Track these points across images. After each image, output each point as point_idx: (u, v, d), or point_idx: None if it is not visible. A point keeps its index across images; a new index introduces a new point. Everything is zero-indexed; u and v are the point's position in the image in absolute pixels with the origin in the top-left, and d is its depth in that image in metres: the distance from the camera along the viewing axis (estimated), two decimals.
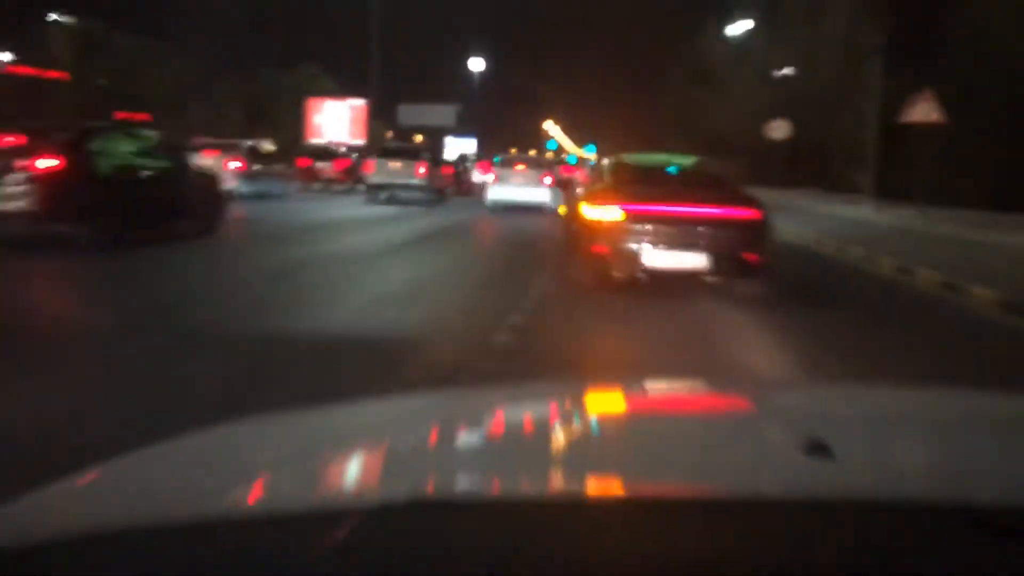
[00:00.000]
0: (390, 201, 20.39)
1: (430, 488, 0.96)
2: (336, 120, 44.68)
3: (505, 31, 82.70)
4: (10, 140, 8.73)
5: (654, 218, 7.02)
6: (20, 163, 8.35)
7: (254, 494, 0.99)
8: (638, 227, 7.02)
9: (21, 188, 8.27)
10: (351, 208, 18.58)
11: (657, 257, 6.99)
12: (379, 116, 50.26)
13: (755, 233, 7.09)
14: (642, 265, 7.01)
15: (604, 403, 1.55)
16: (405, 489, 0.92)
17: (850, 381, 3.75)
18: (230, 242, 11.05)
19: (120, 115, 32.41)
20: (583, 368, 4.79)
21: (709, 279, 7.04)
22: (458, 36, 72.79)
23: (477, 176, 28.24)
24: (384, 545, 0.75)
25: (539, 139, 73.18)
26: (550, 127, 75.82)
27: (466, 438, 1.30)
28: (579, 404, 1.53)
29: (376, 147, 24.58)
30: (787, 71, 30.82)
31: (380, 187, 20.97)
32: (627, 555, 0.74)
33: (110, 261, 8.31)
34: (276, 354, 4.74)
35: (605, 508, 0.87)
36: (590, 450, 1.20)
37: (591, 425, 1.39)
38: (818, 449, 0.98)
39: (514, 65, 79.75)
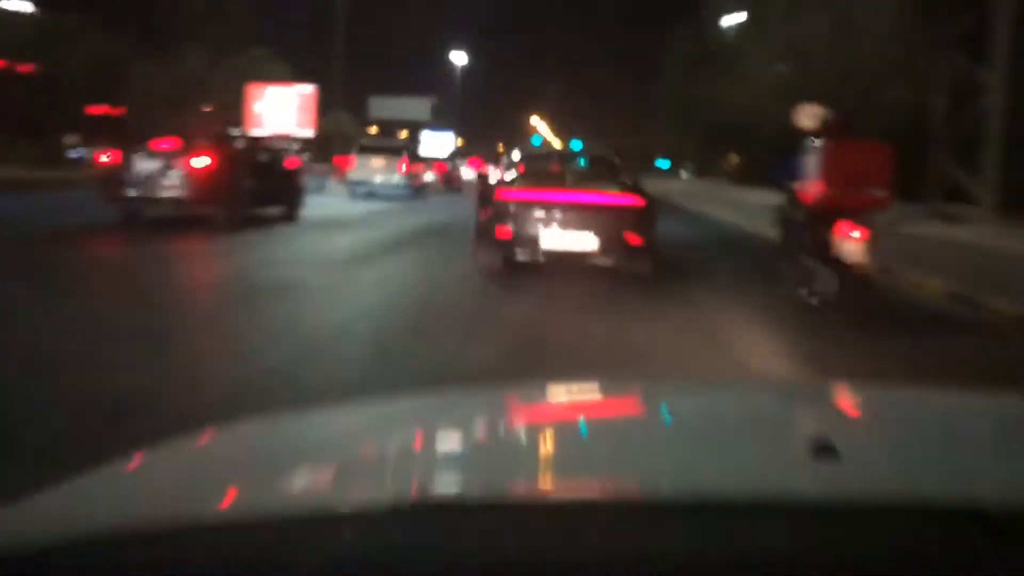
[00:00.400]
0: (369, 197, 20.62)
1: (426, 490, 0.97)
2: (281, 109, 39.34)
3: (487, 23, 78.92)
4: (166, 144, 11.56)
5: (550, 205, 7.93)
6: (177, 161, 11.17)
7: (255, 498, 0.99)
8: (537, 213, 7.92)
9: (178, 181, 11.11)
10: (334, 206, 17.55)
11: (553, 240, 7.92)
12: (350, 109, 48.42)
13: (638, 218, 8.00)
14: (541, 247, 7.95)
15: (601, 403, 1.57)
16: (402, 491, 0.94)
17: (857, 383, 3.99)
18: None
19: (93, 110, 30.35)
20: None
21: (599, 260, 7.97)
22: (436, 27, 70.33)
23: (466, 172, 29.93)
24: (382, 547, 0.77)
25: (524, 135, 71.65)
26: (537, 123, 74.95)
27: (463, 440, 1.31)
28: (576, 404, 1.55)
29: (356, 143, 24.68)
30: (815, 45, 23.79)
31: (360, 184, 21.57)
32: (630, 557, 0.75)
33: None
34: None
35: (603, 510, 0.87)
36: (588, 451, 1.20)
37: (589, 426, 1.39)
38: (824, 450, 0.98)
39: (497, 58, 76.93)
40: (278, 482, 1.05)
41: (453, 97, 61.02)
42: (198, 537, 0.81)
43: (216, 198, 11.31)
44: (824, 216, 6.52)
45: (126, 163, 11.27)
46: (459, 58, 60.75)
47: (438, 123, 54.97)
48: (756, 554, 0.76)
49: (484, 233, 8.30)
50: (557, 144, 56.65)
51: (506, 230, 7.93)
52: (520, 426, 1.41)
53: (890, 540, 0.78)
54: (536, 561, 0.74)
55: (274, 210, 13.24)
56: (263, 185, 12.80)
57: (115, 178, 11.25)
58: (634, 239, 7.86)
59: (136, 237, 10.79)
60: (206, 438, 1.33)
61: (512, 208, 7.97)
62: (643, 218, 8.03)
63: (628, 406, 1.53)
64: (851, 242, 6.26)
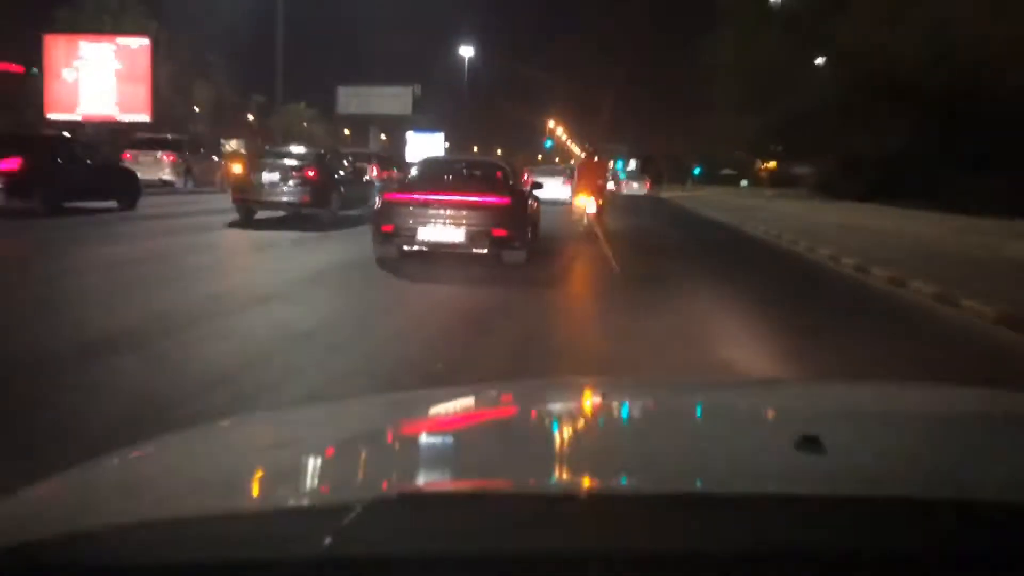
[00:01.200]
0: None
1: (410, 485, 0.99)
2: (97, 77, 28.01)
3: (495, 13, 67.88)
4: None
5: (425, 204, 9.13)
6: (296, 172, 14.62)
7: (244, 491, 1.02)
8: (414, 210, 9.14)
9: (297, 187, 14.57)
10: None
11: (428, 233, 9.12)
12: (315, 101, 44.54)
13: (503, 214, 9.19)
14: (418, 239, 9.17)
15: (587, 400, 1.59)
16: (385, 485, 0.97)
17: (842, 379, 3.99)
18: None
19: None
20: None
21: (470, 250, 9.16)
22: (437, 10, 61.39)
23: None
24: (374, 539, 0.77)
25: (534, 137, 67.22)
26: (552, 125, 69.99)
27: (448, 435, 1.34)
28: (568, 401, 1.59)
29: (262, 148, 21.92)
30: None
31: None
32: (618, 550, 0.76)
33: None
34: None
35: (593, 504, 0.88)
36: (578, 446, 1.22)
37: (581, 421, 1.41)
38: (809, 444, 0.99)
39: (504, 49, 66.97)
40: (263, 478, 1.07)
41: (454, 93, 57.26)
42: (186, 531, 0.82)
43: (323, 201, 14.75)
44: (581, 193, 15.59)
45: None
46: (466, 51, 53.34)
47: (422, 120, 49.09)
48: (742, 547, 0.76)
49: (372, 227, 9.60)
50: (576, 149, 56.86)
51: (389, 224, 9.24)
52: (505, 422, 1.44)
53: (875, 532, 0.78)
54: (519, 553, 0.75)
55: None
56: (347, 189, 15.76)
57: None
58: (499, 232, 9.11)
59: None
60: (195, 435, 1.37)
61: (395, 207, 9.32)
62: (509, 214, 9.28)
63: (614, 403, 1.56)
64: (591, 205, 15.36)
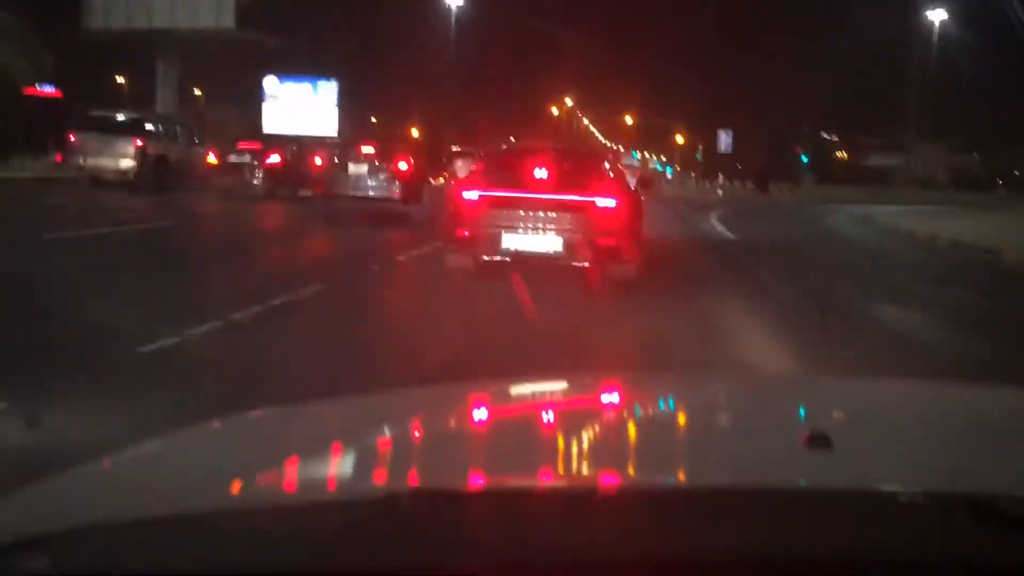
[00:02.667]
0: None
1: (420, 480, 1.00)
2: None
3: None
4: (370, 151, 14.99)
5: (513, 204, 7.36)
6: (386, 166, 14.37)
7: (251, 487, 1.01)
8: (498, 212, 7.39)
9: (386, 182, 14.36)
10: None
11: (515, 241, 7.29)
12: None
13: (613, 219, 7.29)
14: (502, 248, 7.33)
15: (600, 395, 1.61)
16: (396, 481, 0.98)
17: (851, 375, 3.94)
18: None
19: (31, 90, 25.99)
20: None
21: (570, 263, 7.31)
22: None
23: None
24: (382, 537, 0.77)
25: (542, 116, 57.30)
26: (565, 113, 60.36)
27: (458, 432, 1.34)
28: (580, 397, 1.59)
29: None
30: None
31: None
32: (627, 546, 0.76)
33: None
34: None
35: (604, 500, 0.89)
36: (588, 443, 1.22)
37: (589, 418, 1.42)
38: (819, 440, 1.00)
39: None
40: (274, 473, 1.07)
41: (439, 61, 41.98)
42: (195, 526, 0.82)
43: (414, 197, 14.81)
44: None
45: None
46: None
47: (288, 58, 32.06)
48: (751, 543, 0.76)
49: (443, 234, 8.19)
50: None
51: (465, 229, 7.56)
52: (514, 418, 1.45)
53: (884, 529, 0.79)
54: (528, 549, 0.75)
55: None
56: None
57: None
58: (606, 241, 7.28)
59: None
60: (202, 430, 1.37)
61: (473, 207, 7.57)
62: (619, 218, 7.47)
63: (625, 399, 1.56)
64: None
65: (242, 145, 20.13)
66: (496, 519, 0.81)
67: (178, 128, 19.57)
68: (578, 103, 61.25)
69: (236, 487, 1.02)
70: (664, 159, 50.96)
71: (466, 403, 1.54)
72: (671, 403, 1.56)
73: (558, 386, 1.76)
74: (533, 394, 1.64)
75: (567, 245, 7.31)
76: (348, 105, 34.20)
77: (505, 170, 8.40)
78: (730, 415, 1.48)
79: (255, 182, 19.13)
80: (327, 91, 33.08)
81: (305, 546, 0.76)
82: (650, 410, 1.52)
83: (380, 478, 1.06)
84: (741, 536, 0.78)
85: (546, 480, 1.01)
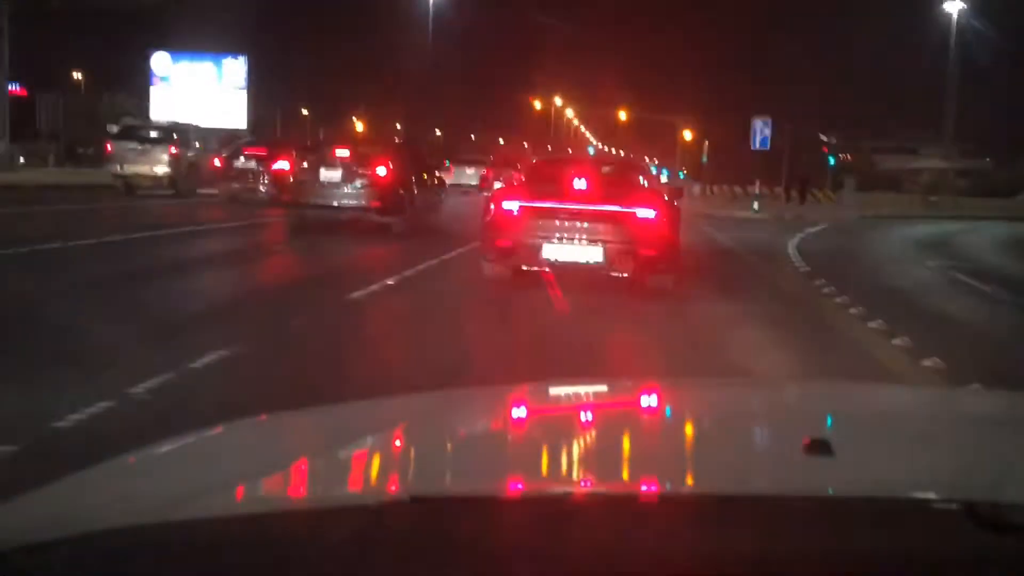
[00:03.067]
0: None
1: (425, 485, 0.99)
2: None
3: None
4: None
5: (553, 214, 7.53)
6: (362, 172, 12.44)
7: (255, 494, 1.01)
8: (539, 222, 7.53)
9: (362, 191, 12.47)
10: None
11: (556, 251, 7.47)
12: None
13: (654, 229, 7.48)
14: (542, 258, 7.49)
15: (599, 402, 1.60)
16: (407, 486, 0.98)
17: (851, 380, 3.88)
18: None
19: None
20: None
21: (610, 273, 7.48)
22: None
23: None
24: (386, 542, 0.78)
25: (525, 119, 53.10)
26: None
27: (464, 437, 1.35)
28: (581, 402, 1.60)
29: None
30: None
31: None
32: (629, 552, 0.76)
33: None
34: None
35: (604, 505, 0.88)
36: (589, 448, 1.22)
37: (587, 424, 1.43)
38: (818, 446, 1.00)
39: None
40: (278, 478, 1.06)
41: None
42: (199, 532, 0.82)
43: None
44: None
45: None
46: None
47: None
48: (750, 549, 0.76)
49: (483, 242, 8.08)
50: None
51: (505, 239, 7.65)
52: (518, 424, 1.44)
53: (882, 534, 0.79)
54: (531, 554, 0.75)
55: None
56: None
57: None
58: (647, 251, 7.43)
59: None
60: (207, 435, 1.35)
61: (514, 217, 7.66)
62: (659, 228, 7.59)
63: (626, 405, 1.56)
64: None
65: (248, 150, 19.19)
66: (495, 527, 0.81)
67: (191, 133, 20.50)
68: (565, 99, 55.38)
69: (240, 493, 1.00)
70: (657, 162, 43.97)
71: (464, 409, 1.52)
72: (669, 409, 1.56)
73: (555, 391, 1.73)
74: (529, 399, 1.61)
75: (608, 256, 7.41)
76: (265, 90, 27.14)
77: (543, 181, 8.56)
78: (729, 421, 1.45)
79: (261, 188, 17.70)
80: (234, 72, 26.37)
81: (311, 553, 0.75)
82: (648, 416, 1.50)
83: (388, 484, 1.06)
84: (739, 543, 0.77)
85: (543, 487, 1.00)
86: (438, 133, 54.42)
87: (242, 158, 18.85)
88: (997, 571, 0.76)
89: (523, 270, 7.71)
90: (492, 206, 7.98)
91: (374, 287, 7.54)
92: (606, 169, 9.73)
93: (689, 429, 1.40)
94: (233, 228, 13.63)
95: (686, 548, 0.77)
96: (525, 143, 39.01)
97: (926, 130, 32.05)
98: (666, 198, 8.50)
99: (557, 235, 7.50)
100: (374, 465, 1.18)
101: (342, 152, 12.85)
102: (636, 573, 0.74)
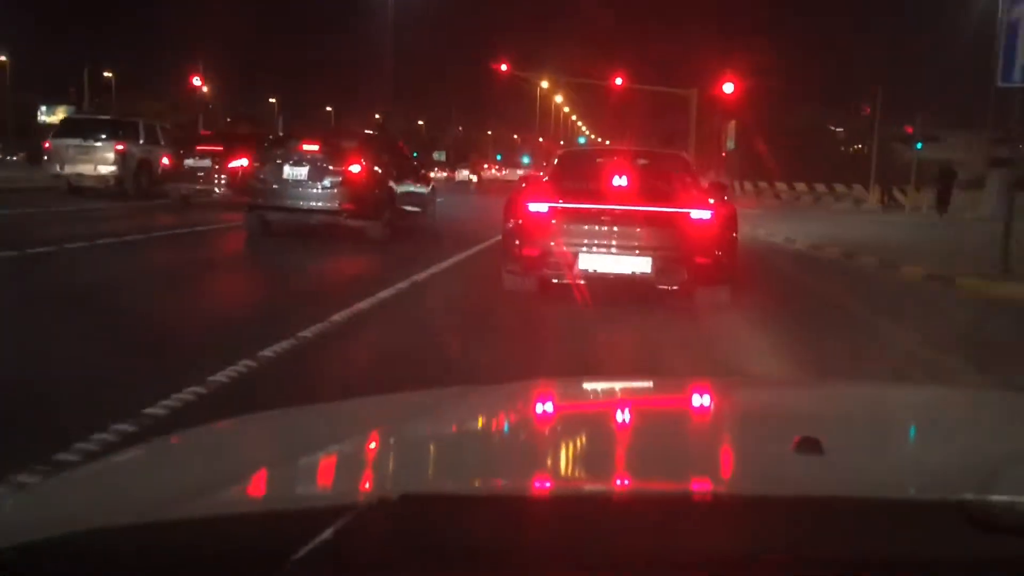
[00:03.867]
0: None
1: (413, 484, 0.98)
2: None
3: None
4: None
5: (591, 217, 6.43)
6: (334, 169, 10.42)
7: (246, 492, 1.01)
8: (574, 227, 6.42)
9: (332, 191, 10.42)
10: None
11: (594, 261, 6.36)
12: None
13: (709, 233, 6.43)
14: (578, 269, 6.37)
15: (593, 400, 1.59)
16: (397, 485, 0.97)
17: (842, 379, 3.73)
18: None
19: None
20: None
21: (661, 286, 6.47)
22: None
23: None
24: (375, 541, 0.77)
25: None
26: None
27: (457, 434, 1.35)
28: (570, 401, 1.57)
29: None
30: None
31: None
32: (618, 550, 0.76)
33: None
34: None
35: (595, 504, 0.88)
36: (580, 447, 1.22)
37: (582, 422, 1.42)
38: (809, 446, 0.99)
39: None
40: (264, 479, 1.06)
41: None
42: (184, 533, 0.82)
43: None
44: None
45: None
46: None
47: None
48: (740, 548, 0.76)
49: (505, 251, 6.82)
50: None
51: (533, 247, 6.48)
52: (510, 422, 1.44)
53: (873, 534, 0.79)
54: (521, 555, 0.75)
55: None
56: None
57: None
58: (702, 259, 6.34)
59: None
60: (197, 434, 1.34)
61: (543, 221, 6.48)
62: (716, 233, 6.46)
63: (618, 404, 1.56)
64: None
65: (202, 148, 16.45)
66: (484, 526, 0.80)
67: (158, 130, 18.69)
68: (553, 82, 49.00)
69: (230, 493, 0.99)
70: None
71: (454, 407, 1.50)
72: (660, 408, 1.54)
73: (547, 390, 1.73)
74: (521, 398, 1.59)
75: (657, 265, 6.36)
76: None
77: (575, 177, 7.25)
78: (719, 420, 1.46)
79: (217, 189, 15.40)
80: None
81: (301, 552, 0.74)
82: (641, 415, 1.48)
83: (377, 482, 1.05)
84: (727, 542, 0.77)
85: (534, 486, 1.00)
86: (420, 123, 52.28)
87: (192, 158, 16.23)
88: (990, 571, 0.76)
89: (551, 282, 6.56)
90: (516, 208, 6.66)
91: (337, 317, 5.45)
92: (644, 162, 8.06)
93: (678, 428, 1.37)
94: (172, 238, 10.94)
95: (669, 548, 0.77)
96: (515, 135, 35.21)
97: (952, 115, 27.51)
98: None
99: (596, 242, 6.35)
100: (364, 463, 1.16)
101: (310, 146, 10.82)
102: (628, 572, 0.74)
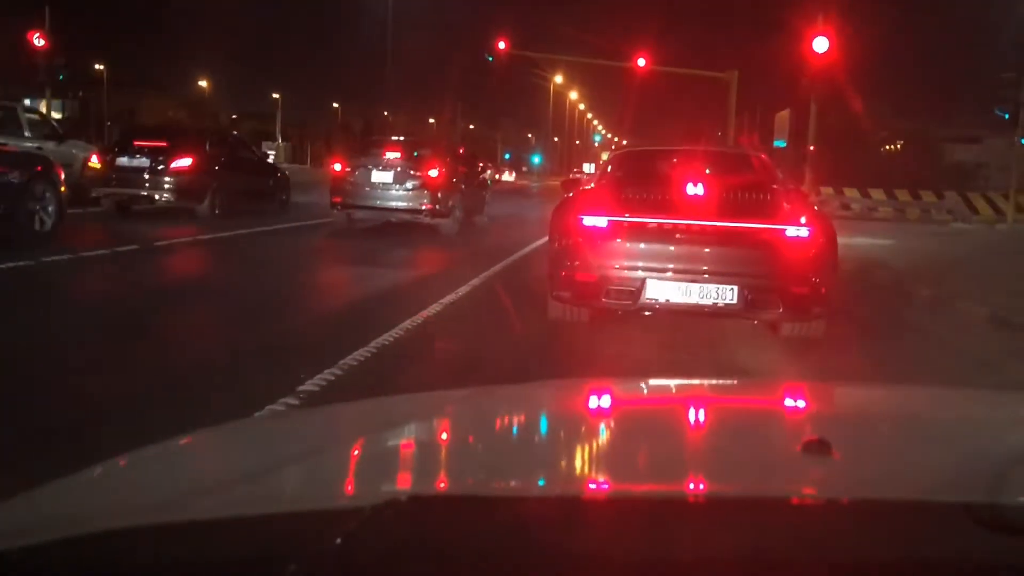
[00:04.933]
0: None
1: (421, 486, 0.99)
2: None
3: None
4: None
5: (658, 234, 5.17)
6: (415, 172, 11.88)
7: (253, 494, 0.99)
8: (639, 247, 5.17)
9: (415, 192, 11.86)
10: None
11: (665, 290, 5.08)
12: None
13: (806, 256, 5.14)
14: (644, 300, 5.11)
15: (601, 402, 1.56)
16: (405, 486, 0.99)
17: (849, 381, 3.58)
18: None
19: None
20: None
21: (750, 318, 5.30)
22: None
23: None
24: (384, 542, 0.77)
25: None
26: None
27: (467, 436, 1.33)
28: (577, 403, 1.55)
29: None
30: None
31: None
32: (624, 552, 0.75)
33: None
34: None
35: (601, 505, 0.89)
36: (586, 448, 1.23)
37: (591, 423, 1.42)
38: (816, 447, 1.00)
39: None
40: (275, 479, 1.05)
41: None
42: (192, 535, 0.81)
43: None
44: None
45: None
46: None
47: None
48: (747, 550, 0.76)
49: (553, 273, 5.45)
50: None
51: (588, 271, 5.15)
52: (520, 423, 1.43)
53: (880, 536, 0.78)
54: (527, 557, 0.75)
55: None
56: None
57: None
58: (800, 289, 5.06)
59: None
60: (203, 436, 1.33)
61: (602, 240, 5.16)
62: (813, 255, 5.13)
63: (621, 405, 1.54)
64: None
65: (140, 142, 13.08)
66: (491, 527, 0.80)
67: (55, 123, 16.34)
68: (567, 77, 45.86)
69: (237, 494, 0.98)
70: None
71: (461, 409, 1.49)
72: (667, 409, 1.53)
73: (552, 391, 1.73)
74: (526, 399, 1.59)
75: (746, 295, 5.00)
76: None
77: (637, 185, 5.80)
78: (726, 421, 1.43)
79: (157, 196, 12.28)
80: None
81: (307, 554, 0.75)
82: (646, 416, 1.47)
83: (385, 484, 1.05)
84: (734, 543, 0.77)
85: (540, 487, 1.00)
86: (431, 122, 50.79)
87: (125, 156, 12.65)
88: (998, 573, 0.76)
89: (616, 312, 5.41)
90: (567, 222, 5.36)
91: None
92: (718, 165, 6.36)
93: (687, 429, 1.35)
94: (69, 269, 7.37)
95: (675, 550, 0.77)
96: (529, 135, 32.86)
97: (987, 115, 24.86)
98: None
99: (668, 265, 5.10)
100: (372, 464, 1.15)
101: (393, 153, 12.44)
102: (635, 573, 0.74)
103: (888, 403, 1.56)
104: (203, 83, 47.82)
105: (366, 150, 13.11)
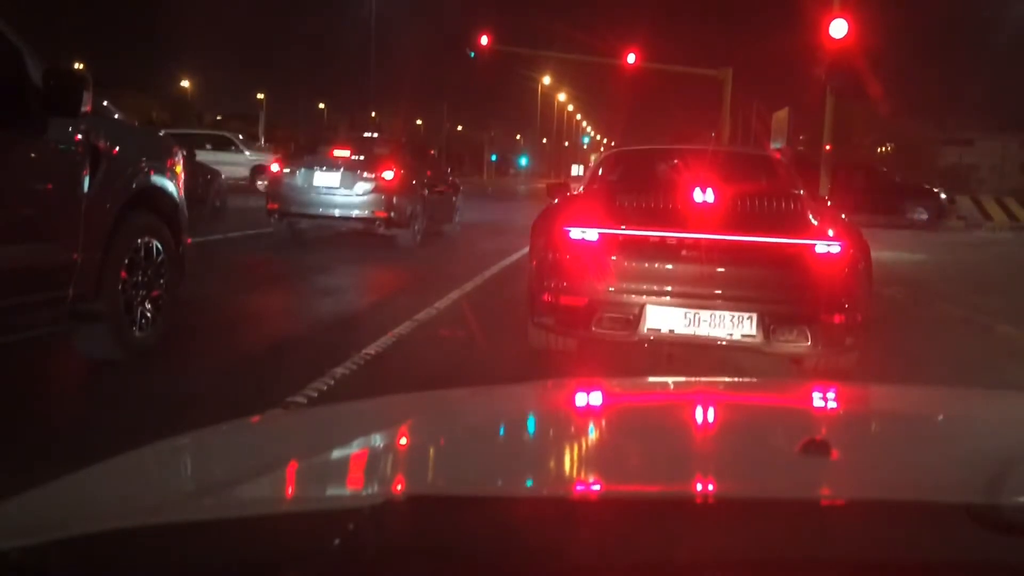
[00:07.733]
0: None
1: (420, 485, 1.00)
2: None
3: None
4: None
5: (661, 250, 4.33)
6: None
7: (253, 494, 1.00)
8: (638, 265, 4.33)
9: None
10: None
11: (667, 318, 4.25)
12: None
13: (838, 277, 4.29)
14: (643, 330, 4.27)
15: (597, 401, 1.55)
16: (404, 486, 0.99)
17: (847, 382, 3.54)
18: None
19: None
20: None
21: (772, 352, 4.31)
22: None
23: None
24: (383, 542, 0.78)
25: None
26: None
27: (465, 436, 1.32)
28: (575, 402, 1.55)
29: None
30: None
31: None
32: (623, 552, 0.75)
33: None
34: None
35: (601, 505, 0.90)
36: (586, 449, 1.24)
37: (591, 423, 1.42)
38: (815, 448, 1.03)
39: None
40: (273, 479, 1.05)
41: None
42: (197, 532, 0.81)
43: None
44: None
45: None
46: None
47: None
48: (746, 551, 0.75)
49: (534, 296, 4.60)
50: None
51: (576, 294, 4.33)
52: (514, 424, 1.41)
53: (879, 536, 0.78)
54: (526, 557, 0.75)
55: None
56: None
57: None
58: (833, 317, 4.21)
59: None
60: (203, 436, 1.32)
61: (586, 252, 4.34)
62: (846, 278, 4.27)
63: (620, 405, 1.54)
64: None
65: None
66: (490, 527, 0.80)
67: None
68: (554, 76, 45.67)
69: (237, 494, 0.99)
70: None
71: (461, 408, 1.49)
72: (665, 409, 1.53)
73: (551, 391, 1.72)
74: (525, 399, 1.59)
75: (766, 323, 4.09)
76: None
77: (634, 190, 4.73)
78: (725, 421, 1.43)
79: None
80: None
81: (307, 554, 0.74)
82: (645, 416, 1.46)
83: (384, 484, 1.06)
84: (733, 544, 0.77)
85: (539, 487, 1.01)
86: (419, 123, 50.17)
87: None
88: (997, 572, 0.76)
89: (596, 340, 4.42)
90: (549, 235, 4.51)
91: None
92: (729, 168, 5.34)
93: (686, 430, 1.36)
94: None
95: (680, 551, 0.77)
96: (518, 136, 32.29)
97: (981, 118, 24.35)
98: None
99: (671, 288, 4.23)
100: (371, 465, 1.16)
101: (341, 152, 10.76)
102: (635, 574, 0.74)
103: (888, 403, 1.58)
104: (185, 83, 47.05)
105: (312, 147, 11.37)
